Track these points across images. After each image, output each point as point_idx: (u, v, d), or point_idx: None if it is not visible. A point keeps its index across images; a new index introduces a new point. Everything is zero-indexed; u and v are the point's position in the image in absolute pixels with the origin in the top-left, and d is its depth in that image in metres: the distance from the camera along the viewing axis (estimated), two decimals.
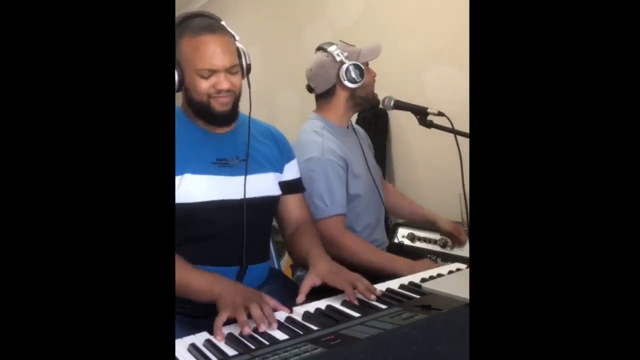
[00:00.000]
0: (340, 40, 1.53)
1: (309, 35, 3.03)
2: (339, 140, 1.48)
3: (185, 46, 1.06)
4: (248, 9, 3.71)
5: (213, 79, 1.06)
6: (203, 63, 1.05)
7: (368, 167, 1.57)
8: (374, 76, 1.54)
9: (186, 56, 1.06)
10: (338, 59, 1.45)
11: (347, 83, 1.44)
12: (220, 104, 1.08)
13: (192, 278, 0.98)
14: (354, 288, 0.97)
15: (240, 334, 0.82)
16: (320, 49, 1.51)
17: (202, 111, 1.10)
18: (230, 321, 0.86)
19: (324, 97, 1.53)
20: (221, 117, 1.11)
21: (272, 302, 0.91)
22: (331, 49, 1.47)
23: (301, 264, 1.20)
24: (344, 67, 1.43)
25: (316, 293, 1.00)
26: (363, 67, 1.45)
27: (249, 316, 0.85)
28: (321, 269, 1.04)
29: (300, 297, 0.97)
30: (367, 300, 0.96)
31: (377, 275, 1.26)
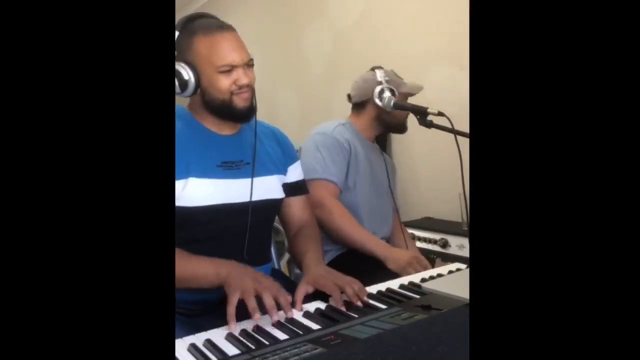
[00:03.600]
0: (392, 70, 1.66)
1: (309, 35, 3.03)
2: (355, 140, 1.59)
3: (200, 46, 1.06)
4: (248, 9, 3.71)
5: (234, 75, 1.06)
6: (223, 59, 1.05)
7: (390, 186, 1.69)
8: (406, 115, 1.63)
9: (202, 56, 1.06)
10: (379, 79, 1.57)
11: (376, 100, 1.54)
12: (242, 100, 1.09)
13: (196, 266, 0.98)
14: (342, 292, 0.96)
15: (240, 334, 0.83)
16: (372, 69, 1.63)
17: (223, 110, 1.09)
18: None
19: (356, 107, 1.68)
20: (243, 113, 1.10)
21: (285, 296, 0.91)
22: (378, 71, 1.60)
23: (299, 266, 1.21)
24: (380, 86, 1.54)
25: (318, 294, 1.00)
26: (397, 93, 1.55)
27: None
28: (312, 274, 1.04)
29: (298, 307, 0.95)
30: (355, 304, 0.94)
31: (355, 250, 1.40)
